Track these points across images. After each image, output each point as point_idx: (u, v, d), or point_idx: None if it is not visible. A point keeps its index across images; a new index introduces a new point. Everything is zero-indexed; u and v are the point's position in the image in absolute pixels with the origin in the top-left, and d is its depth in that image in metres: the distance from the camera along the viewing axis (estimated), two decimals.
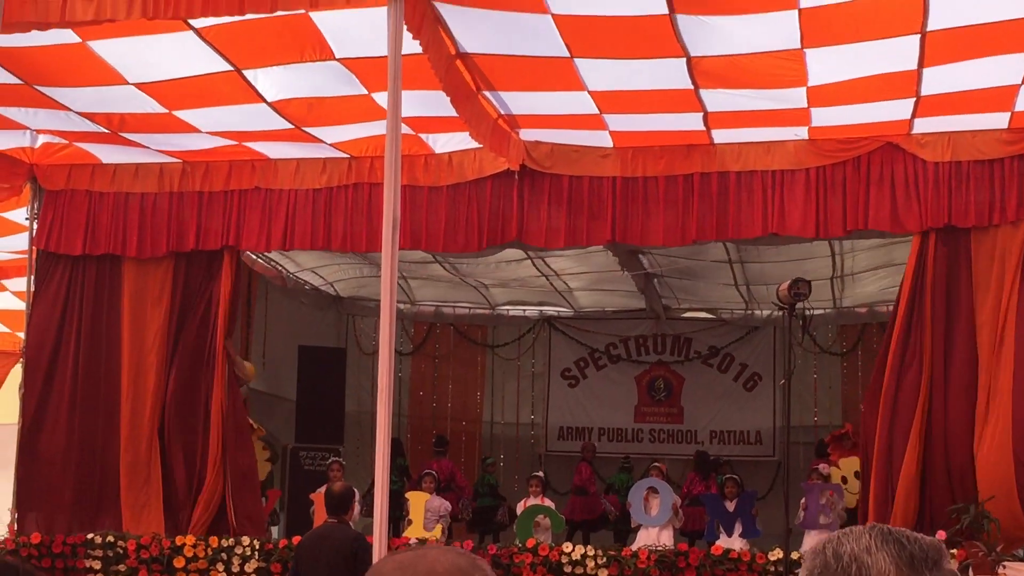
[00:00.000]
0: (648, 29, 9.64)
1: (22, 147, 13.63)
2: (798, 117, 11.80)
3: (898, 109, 11.52)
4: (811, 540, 13.90)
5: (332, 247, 14.44)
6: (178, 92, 11.53)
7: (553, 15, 9.50)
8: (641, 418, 20.94)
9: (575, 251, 15.94)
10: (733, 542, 13.94)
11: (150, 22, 9.74)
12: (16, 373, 14.87)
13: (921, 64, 10.27)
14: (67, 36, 10.23)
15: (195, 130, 12.64)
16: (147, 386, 14.10)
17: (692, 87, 10.93)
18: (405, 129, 11.54)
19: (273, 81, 11.26)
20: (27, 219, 14.53)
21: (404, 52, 8.80)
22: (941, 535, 11.63)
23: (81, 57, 10.68)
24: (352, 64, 10.76)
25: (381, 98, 10.48)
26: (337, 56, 10.62)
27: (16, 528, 13.88)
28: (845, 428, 16.06)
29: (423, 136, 12.92)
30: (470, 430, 21.39)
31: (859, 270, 17.74)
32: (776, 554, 12.67)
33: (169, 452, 14.13)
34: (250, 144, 13.38)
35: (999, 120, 11.84)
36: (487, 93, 11.36)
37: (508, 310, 21.37)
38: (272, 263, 18.46)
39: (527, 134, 12.80)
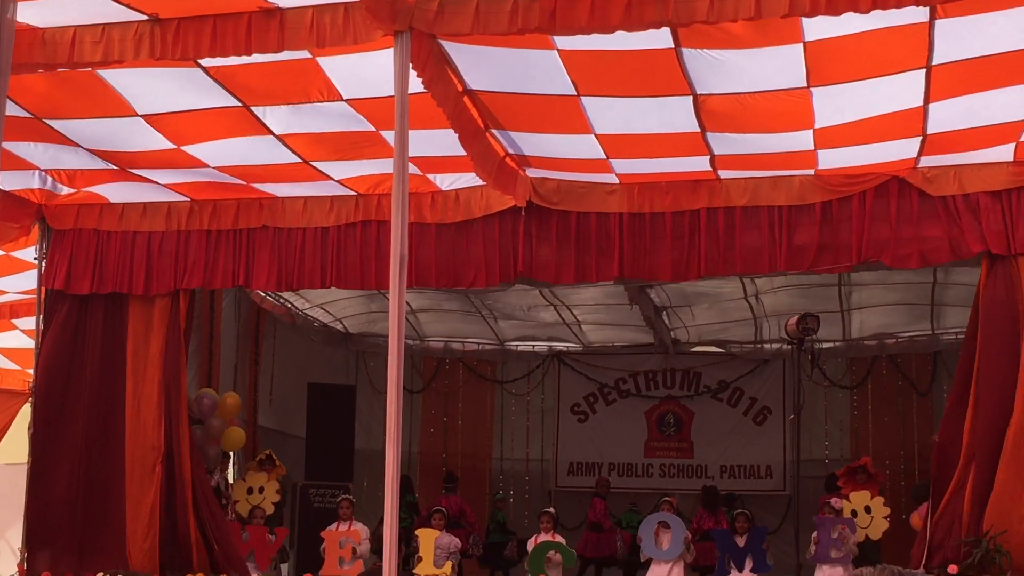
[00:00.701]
0: (654, 63, 9.66)
1: (31, 188, 13.66)
2: (805, 160, 11.81)
3: (904, 148, 11.52)
4: (823, 575, 13.86)
5: (341, 285, 14.45)
6: (186, 124, 11.55)
7: (559, 51, 9.53)
8: (651, 453, 20.89)
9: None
10: None
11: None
12: (25, 412, 14.88)
13: (927, 100, 10.27)
14: None
15: (203, 165, 12.67)
16: (146, 425, 14.11)
17: (699, 130, 10.93)
18: (412, 169, 11.55)
19: (280, 118, 11.31)
20: (36, 258, 14.56)
21: (411, 92, 8.83)
22: (953, 569, 11.58)
23: (91, 86, 10.69)
24: (359, 105, 10.79)
25: (389, 136, 10.51)
26: (344, 97, 10.67)
27: (26, 567, 13.85)
28: (862, 461, 15.98)
29: (430, 176, 12.95)
30: (480, 466, 21.34)
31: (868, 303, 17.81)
32: None
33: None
34: (257, 185, 13.42)
35: (1005, 154, 11.83)
36: (494, 132, 11.39)
37: (517, 345, 21.38)
38: (281, 300, 18.49)
39: (534, 172, 12.81)
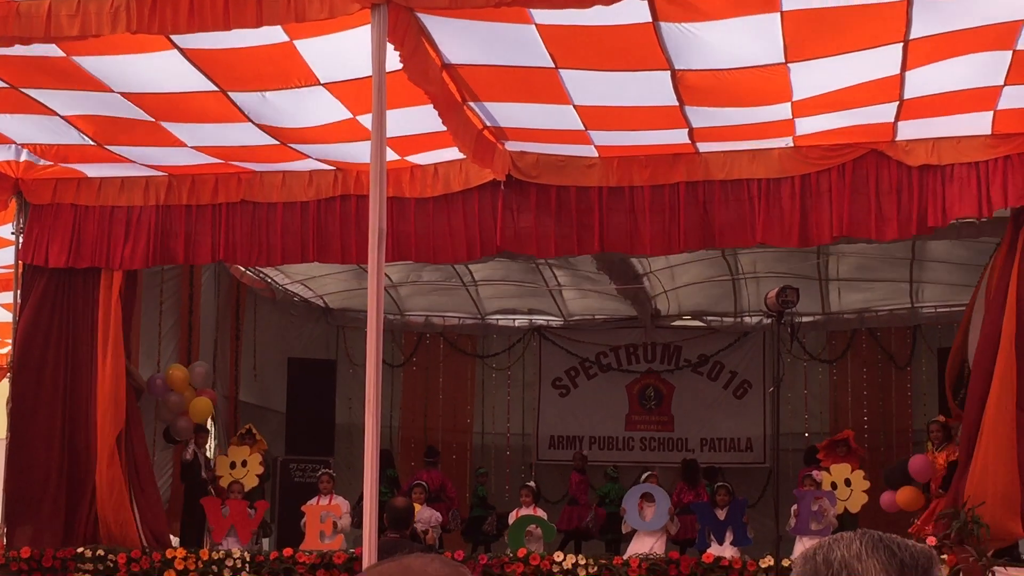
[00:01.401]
0: (632, 38, 9.63)
1: (7, 161, 13.58)
2: (783, 128, 11.78)
3: (882, 113, 11.50)
4: (802, 547, 13.90)
5: (322, 259, 14.44)
6: (164, 105, 11.51)
7: (537, 25, 9.48)
8: (632, 426, 20.92)
9: None
10: (724, 550, 13.92)
11: (135, 41, 9.73)
12: (3, 387, 14.84)
13: (904, 68, 10.27)
14: (52, 50, 10.19)
15: (181, 144, 12.61)
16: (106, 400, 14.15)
17: (677, 103, 10.90)
18: (390, 154, 11.54)
19: (254, 106, 11.29)
20: (13, 233, 14.49)
21: (389, 70, 8.79)
22: (931, 541, 11.64)
23: (66, 67, 10.63)
24: (337, 88, 10.75)
25: (366, 120, 10.46)
26: (322, 81, 10.62)
27: (6, 543, 13.83)
28: (844, 434, 16.02)
29: (408, 158, 12.91)
30: (461, 440, 21.36)
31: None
32: (767, 562, 12.66)
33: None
34: (236, 163, 13.37)
35: (982, 124, 11.84)
36: (472, 104, 11.34)
37: (498, 319, 21.37)
38: (261, 275, 18.45)
39: (513, 145, 12.78)
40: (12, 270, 14.77)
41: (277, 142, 12.40)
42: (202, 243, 14.07)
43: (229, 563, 13.47)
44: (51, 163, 13.63)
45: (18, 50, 10.01)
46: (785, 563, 12.34)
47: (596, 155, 12.91)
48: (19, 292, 14.44)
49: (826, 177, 12.55)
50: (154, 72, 10.69)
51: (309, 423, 18.88)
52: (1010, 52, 10.12)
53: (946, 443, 13.94)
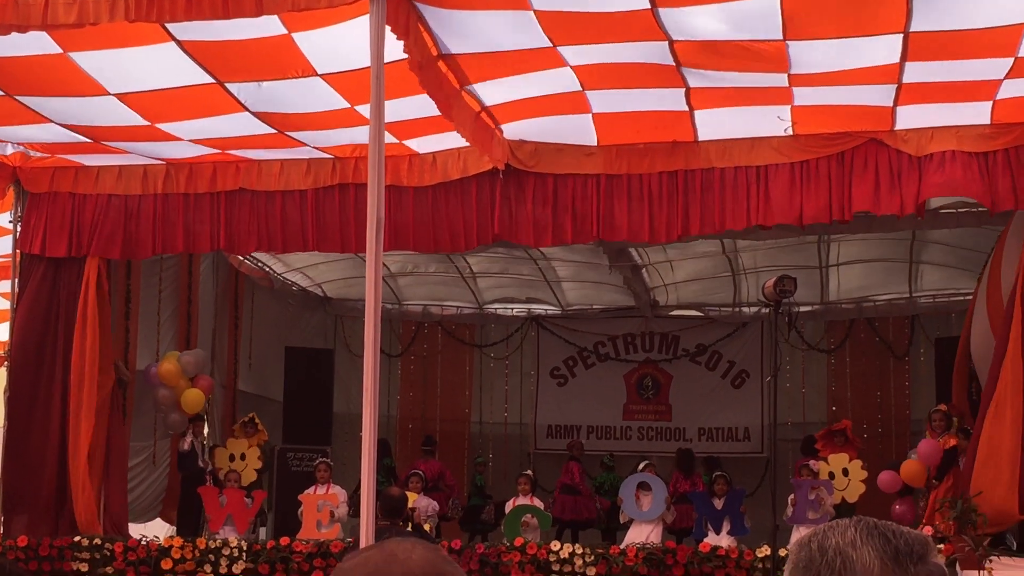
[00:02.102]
0: (631, 23, 9.62)
1: (4, 153, 13.59)
2: (781, 95, 11.67)
3: (880, 94, 11.44)
4: (799, 536, 13.91)
5: (322, 248, 14.43)
6: (159, 103, 11.48)
7: (535, 11, 9.46)
8: (629, 416, 20.94)
9: None
10: (721, 539, 13.94)
11: (132, 34, 9.70)
12: (1, 375, 14.84)
13: (904, 59, 10.27)
14: (48, 46, 10.17)
15: (177, 139, 12.60)
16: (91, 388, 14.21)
17: (674, 64, 10.81)
18: (389, 138, 11.50)
19: (254, 95, 11.26)
20: (11, 222, 14.48)
21: (387, 60, 8.77)
22: (928, 530, 11.66)
23: (62, 68, 10.62)
24: (334, 79, 10.73)
25: (364, 110, 10.43)
26: (319, 72, 10.60)
27: (3, 531, 13.84)
28: (842, 424, 16.04)
29: (406, 143, 12.87)
30: (459, 430, 21.37)
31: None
32: (764, 551, 12.68)
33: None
34: (234, 151, 13.36)
35: (981, 114, 11.83)
36: (469, 87, 11.28)
37: (496, 309, 21.36)
38: (259, 264, 18.45)
39: (510, 131, 12.73)
40: (10, 259, 14.77)
41: (274, 130, 12.36)
42: (201, 232, 14.05)
43: (226, 552, 13.48)
44: (47, 155, 13.64)
45: (15, 49, 10.00)
46: (782, 552, 12.36)
47: (595, 139, 12.86)
48: (17, 281, 14.43)
49: (825, 163, 12.53)
50: (150, 65, 10.65)
51: (307, 412, 18.87)
52: (1011, 59, 10.15)
53: (946, 431, 13.95)
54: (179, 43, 10.13)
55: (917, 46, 9.92)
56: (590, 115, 12.33)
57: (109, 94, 11.23)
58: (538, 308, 21.29)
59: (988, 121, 11.94)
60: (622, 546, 13.47)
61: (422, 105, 10.81)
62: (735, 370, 20.57)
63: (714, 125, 12.44)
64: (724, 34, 10.01)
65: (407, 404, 21.44)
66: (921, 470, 14.06)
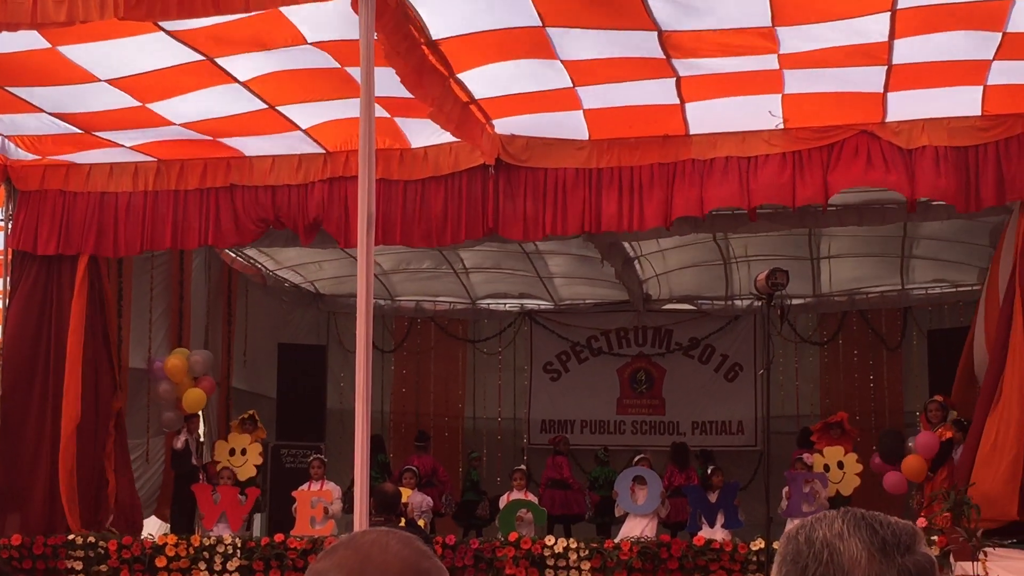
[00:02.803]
0: (619, 7, 9.63)
1: None
2: (772, 82, 11.66)
3: (871, 78, 11.43)
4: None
5: (309, 244, 14.41)
6: (150, 84, 11.44)
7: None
8: (623, 410, 20.94)
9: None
10: (715, 533, 13.96)
11: (120, 26, 9.68)
12: None
13: (892, 37, 10.27)
14: (36, 41, 10.14)
15: (169, 123, 12.55)
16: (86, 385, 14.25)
17: (664, 56, 10.81)
18: (380, 112, 11.40)
19: (244, 64, 11.20)
20: (2, 220, 14.45)
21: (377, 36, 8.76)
22: (922, 522, 11.67)
23: (51, 61, 10.60)
24: (325, 46, 10.68)
25: (355, 72, 10.32)
26: (309, 40, 10.54)
27: None
28: (838, 417, 16.04)
29: (398, 120, 12.73)
30: (452, 425, 21.36)
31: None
32: (758, 544, 12.68)
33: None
34: (224, 140, 13.29)
35: (972, 103, 11.82)
36: (459, 76, 11.24)
37: (489, 304, 21.35)
38: (251, 261, 18.44)
39: (501, 126, 12.71)
40: (1, 257, 14.75)
41: (266, 105, 12.22)
42: (190, 228, 14.02)
43: (220, 549, 13.47)
44: (39, 158, 13.64)
45: (2, 46, 9.97)
46: (776, 546, 12.34)
47: (586, 133, 12.85)
48: (8, 279, 14.41)
49: (817, 153, 12.52)
50: (138, 51, 10.62)
51: (300, 409, 18.88)
52: (999, 34, 10.12)
53: (942, 423, 13.95)
54: (168, 33, 10.12)
55: (905, 23, 9.93)
56: (581, 111, 12.33)
57: (100, 80, 11.20)
58: (531, 303, 21.28)
59: (979, 112, 11.94)
60: (617, 540, 13.48)
61: None
62: (728, 363, 20.57)
63: (706, 119, 12.43)
64: (713, 24, 10.04)
65: (400, 400, 21.42)
66: (922, 465, 14.09)
